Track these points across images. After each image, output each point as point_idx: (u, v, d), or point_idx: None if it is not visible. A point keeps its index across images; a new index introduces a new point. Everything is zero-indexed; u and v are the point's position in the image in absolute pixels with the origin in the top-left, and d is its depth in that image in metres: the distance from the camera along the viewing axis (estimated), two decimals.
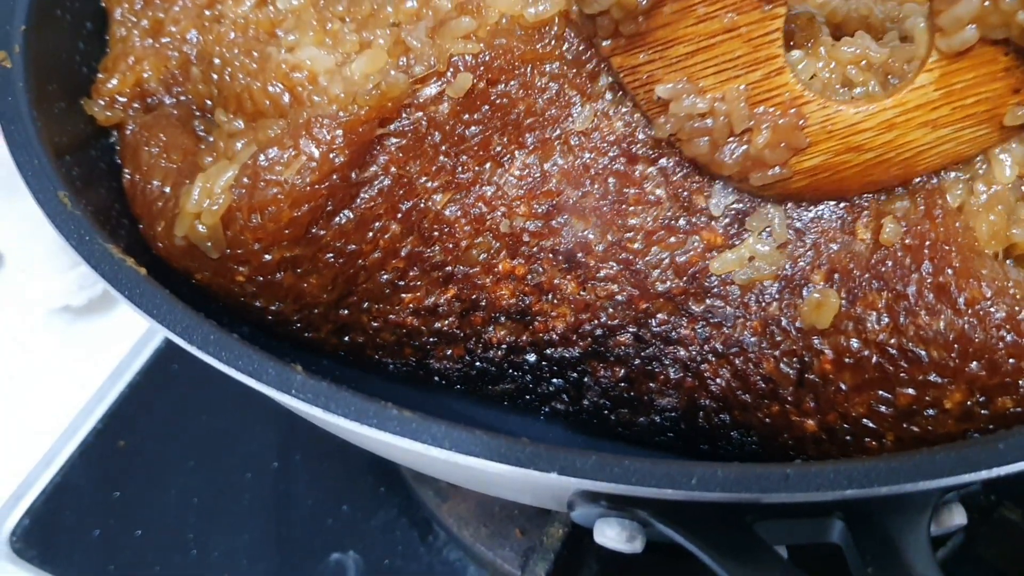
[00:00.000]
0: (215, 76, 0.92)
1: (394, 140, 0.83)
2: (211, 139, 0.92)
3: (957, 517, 0.80)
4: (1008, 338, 0.76)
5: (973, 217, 0.79)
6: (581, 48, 0.83)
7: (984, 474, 0.68)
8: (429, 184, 0.84)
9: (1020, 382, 0.77)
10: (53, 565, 1.27)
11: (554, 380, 0.87)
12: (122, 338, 1.48)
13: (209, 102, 0.94)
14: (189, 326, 0.76)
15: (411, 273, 0.86)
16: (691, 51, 0.76)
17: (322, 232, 0.84)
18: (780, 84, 0.77)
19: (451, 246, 0.84)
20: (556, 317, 0.85)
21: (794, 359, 0.81)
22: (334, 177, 0.82)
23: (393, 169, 0.83)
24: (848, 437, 0.82)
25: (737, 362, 0.82)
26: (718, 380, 0.83)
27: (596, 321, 0.84)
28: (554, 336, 0.85)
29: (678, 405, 0.85)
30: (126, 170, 0.94)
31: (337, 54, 0.86)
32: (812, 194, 0.81)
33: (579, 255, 0.83)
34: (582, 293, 0.84)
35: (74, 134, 0.95)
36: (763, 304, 0.82)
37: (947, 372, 0.78)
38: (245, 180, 0.82)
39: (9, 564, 1.26)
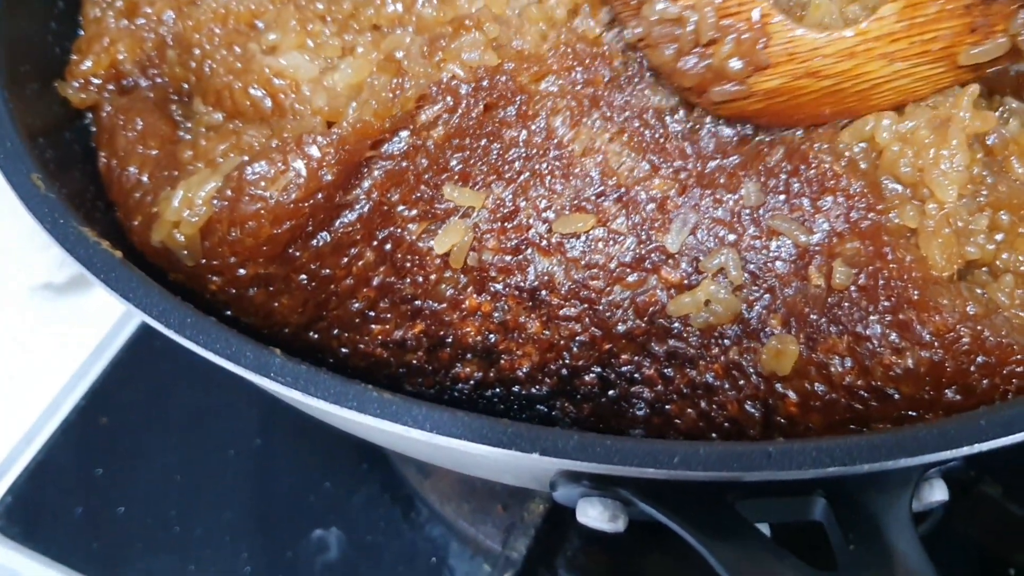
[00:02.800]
0: (194, 64, 0.91)
1: (381, 163, 0.83)
2: (189, 125, 0.91)
3: (938, 493, 0.80)
4: (979, 360, 0.75)
5: (926, 242, 0.78)
6: (581, 74, 0.84)
7: (966, 450, 0.68)
8: (406, 213, 0.83)
9: (995, 396, 0.77)
10: (36, 542, 1.27)
11: (524, 413, 0.88)
12: (104, 315, 1.47)
13: (186, 85, 0.93)
14: (166, 310, 0.76)
15: (381, 304, 0.85)
16: None
17: (298, 253, 0.83)
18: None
19: (420, 279, 0.84)
20: (522, 356, 0.84)
21: (757, 402, 0.81)
22: (319, 196, 0.81)
23: (375, 194, 0.83)
24: None
25: (701, 404, 0.82)
26: (684, 419, 0.83)
27: (561, 361, 0.84)
28: (520, 374, 0.85)
29: (647, 436, 0.85)
30: (102, 153, 0.92)
31: (319, 60, 0.86)
32: (768, 118, 0.82)
33: (543, 293, 0.83)
34: (546, 332, 0.83)
35: (48, 116, 0.94)
36: (723, 347, 0.81)
37: (922, 405, 0.78)
38: (228, 192, 0.80)
39: None
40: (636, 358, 0.83)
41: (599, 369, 0.83)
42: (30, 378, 1.43)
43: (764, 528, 0.83)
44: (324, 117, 0.83)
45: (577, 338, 0.83)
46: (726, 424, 0.82)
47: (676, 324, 0.81)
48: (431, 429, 0.70)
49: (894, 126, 0.80)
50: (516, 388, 0.85)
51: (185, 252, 0.83)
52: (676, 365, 0.82)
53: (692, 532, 0.73)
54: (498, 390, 0.86)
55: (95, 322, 1.47)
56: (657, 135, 0.83)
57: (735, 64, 0.78)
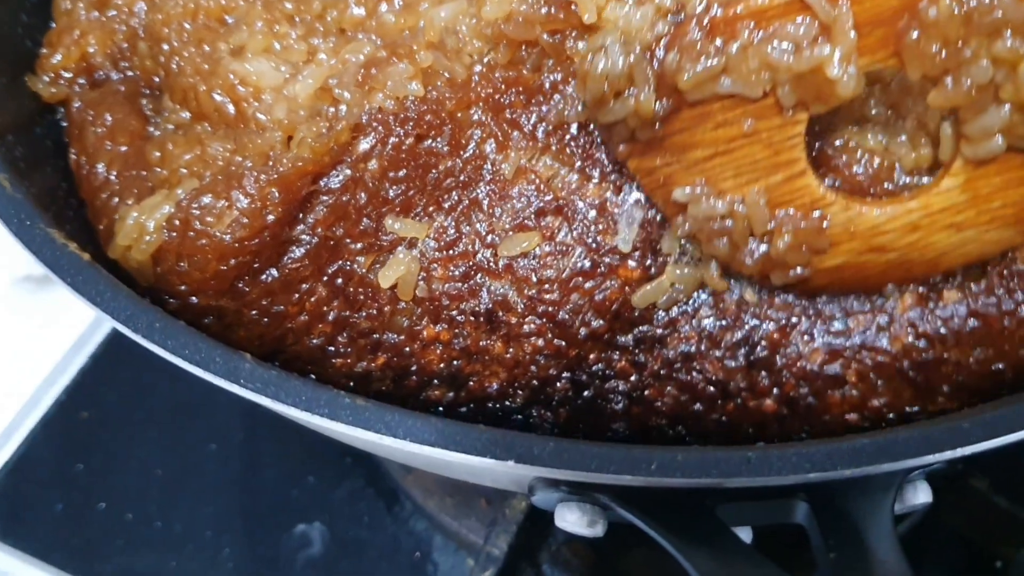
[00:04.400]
0: (163, 59, 0.89)
1: (323, 198, 0.81)
2: (159, 120, 0.89)
3: (922, 495, 0.80)
4: None
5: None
6: (502, 95, 0.82)
7: (948, 454, 0.68)
8: (353, 246, 0.82)
9: None
10: (16, 539, 1.26)
11: (501, 424, 0.86)
12: (84, 308, 1.45)
13: (157, 79, 0.91)
14: (133, 314, 0.74)
15: (340, 339, 0.83)
16: (709, 155, 0.75)
17: (247, 288, 0.81)
18: (802, 186, 0.75)
19: (375, 312, 0.82)
20: (489, 375, 0.83)
21: (738, 350, 0.80)
22: (265, 234, 0.79)
23: (319, 229, 0.81)
24: (811, 399, 0.81)
25: (680, 376, 0.81)
26: (665, 399, 0.81)
27: (529, 374, 0.83)
28: (491, 392, 0.84)
29: (629, 429, 0.84)
30: (72, 149, 0.90)
31: (284, 67, 0.84)
32: (834, 289, 0.80)
33: (500, 314, 0.81)
34: (509, 351, 0.82)
35: (17, 112, 0.92)
36: (693, 315, 0.81)
37: None
38: (177, 223, 0.79)
39: None
40: (605, 355, 0.82)
41: (569, 374, 0.82)
42: (9, 373, 1.41)
43: (746, 531, 0.82)
44: (284, 131, 0.81)
45: (543, 352, 0.81)
46: (710, 388, 0.81)
47: (638, 311, 0.80)
48: (404, 436, 0.69)
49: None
50: (489, 404, 0.84)
51: (139, 273, 0.82)
52: (646, 349, 0.81)
53: (670, 539, 0.72)
54: (472, 406, 0.85)
55: (75, 315, 1.46)
56: (582, 143, 0.81)
57: (795, 254, 0.76)
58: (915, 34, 0.68)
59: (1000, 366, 0.79)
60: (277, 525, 1.27)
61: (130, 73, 0.94)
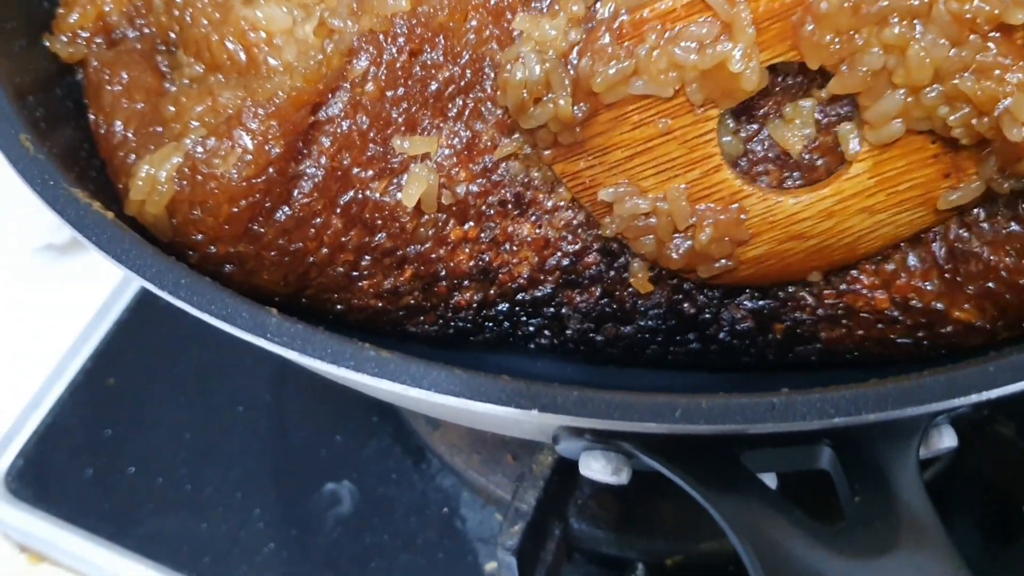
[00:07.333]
0: (176, 12, 0.89)
1: (325, 128, 0.81)
2: (174, 75, 0.89)
3: (947, 440, 0.79)
4: None
5: None
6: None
7: (974, 398, 0.67)
8: (363, 174, 0.82)
9: None
10: (48, 504, 1.27)
11: (532, 320, 0.87)
12: (108, 274, 1.46)
13: (172, 35, 0.91)
14: (160, 271, 0.74)
15: (363, 263, 0.84)
16: (629, 155, 0.78)
17: (263, 230, 0.81)
18: (719, 181, 0.79)
19: (397, 230, 0.83)
20: (519, 263, 0.84)
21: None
22: (271, 170, 0.79)
23: (324, 160, 0.81)
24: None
25: None
26: None
27: (559, 252, 0.84)
28: (521, 281, 0.84)
29: (661, 300, 0.86)
30: (91, 110, 0.91)
31: (296, 12, 0.84)
32: (759, 280, 0.84)
33: (527, 195, 0.82)
34: (538, 231, 0.83)
35: (37, 73, 0.92)
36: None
37: None
38: (186, 170, 0.79)
39: (4, 504, 1.27)
40: None
41: (599, 245, 0.84)
42: (35, 341, 1.43)
43: (771, 478, 0.82)
44: (291, 73, 0.81)
45: (573, 223, 0.83)
46: None
47: None
48: (429, 387, 0.69)
49: None
50: (520, 296, 0.86)
51: (157, 228, 0.82)
52: None
53: (696, 486, 0.72)
54: (502, 307, 0.87)
55: (98, 282, 1.46)
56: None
57: (717, 246, 0.79)
58: (810, 27, 0.71)
59: None
60: (306, 485, 1.28)
61: (147, 30, 0.94)
